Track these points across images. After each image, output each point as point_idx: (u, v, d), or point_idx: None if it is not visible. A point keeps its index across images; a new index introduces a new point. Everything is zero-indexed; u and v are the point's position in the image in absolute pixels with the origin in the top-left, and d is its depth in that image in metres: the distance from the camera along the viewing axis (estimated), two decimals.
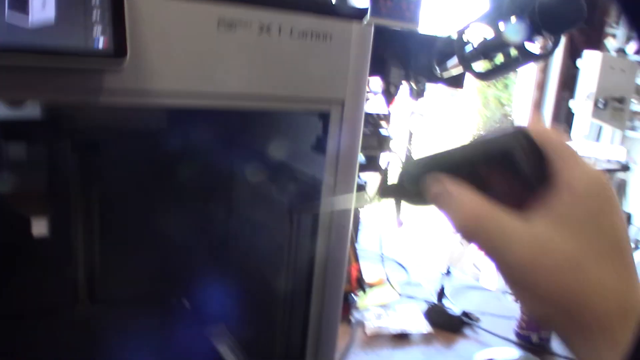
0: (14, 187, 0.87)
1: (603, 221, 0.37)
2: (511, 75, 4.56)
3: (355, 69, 0.66)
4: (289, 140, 0.87)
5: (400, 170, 0.45)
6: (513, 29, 0.92)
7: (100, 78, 0.51)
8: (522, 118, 3.38)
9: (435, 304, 1.36)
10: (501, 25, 0.98)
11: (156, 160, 1.01)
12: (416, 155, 0.47)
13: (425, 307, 1.35)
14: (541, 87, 3.34)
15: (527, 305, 0.39)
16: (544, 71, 3.32)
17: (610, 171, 2.80)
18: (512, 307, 1.44)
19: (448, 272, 1.53)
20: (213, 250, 1.08)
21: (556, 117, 3.31)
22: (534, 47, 0.96)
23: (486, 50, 1.01)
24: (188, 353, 0.98)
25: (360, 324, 1.24)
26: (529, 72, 3.38)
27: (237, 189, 1.01)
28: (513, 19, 0.92)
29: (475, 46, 1.01)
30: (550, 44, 0.95)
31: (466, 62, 1.02)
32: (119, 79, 0.52)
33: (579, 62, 2.94)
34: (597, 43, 3.21)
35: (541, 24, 0.88)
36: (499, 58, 1.02)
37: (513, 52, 0.99)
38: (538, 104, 3.35)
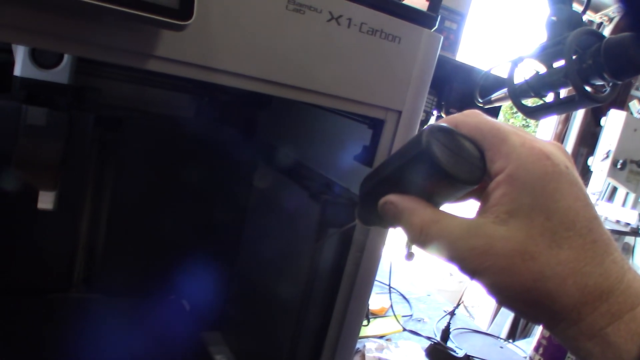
0: (26, 155, 0.82)
1: (552, 203, 0.35)
2: (531, 122, 4.54)
3: (418, 78, 0.61)
4: (328, 146, 0.81)
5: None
6: (572, 69, 0.87)
7: (154, 39, 0.45)
8: None
9: (438, 342, 1.30)
10: (557, 63, 0.94)
11: (178, 149, 0.95)
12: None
13: (427, 344, 1.29)
14: (560, 139, 3.30)
15: (504, 304, 0.37)
16: (565, 123, 3.28)
17: (619, 233, 2.76)
18: (515, 358, 1.38)
19: (453, 312, 1.47)
20: (224, 253, 1.02)
21: None
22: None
23: (537, 86, 0.96)
24: (178, 355, 0.92)
25: (360, 352, 1.18)
26: (549, 122, 3.34)
27: (259, 190, 0.96)
28: (573, 57, 0.87)
29: (527, 80, 0.96)
30: (607, 89, 0.90)
31: (515, 96, 0.98)
32: (176, 43, 0.47)
33: (602, 120, 2.91)
34: (621, 103, 3.19)
35: (606, 66, 0.83)
36: (550, 97, 0.97)
37: (565, 92, 0.95)
38: None
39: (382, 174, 0.43)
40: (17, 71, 0.74)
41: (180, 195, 0.97)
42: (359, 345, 1.20)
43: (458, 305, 1.49)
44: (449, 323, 1.38)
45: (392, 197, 0.40)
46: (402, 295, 1.60)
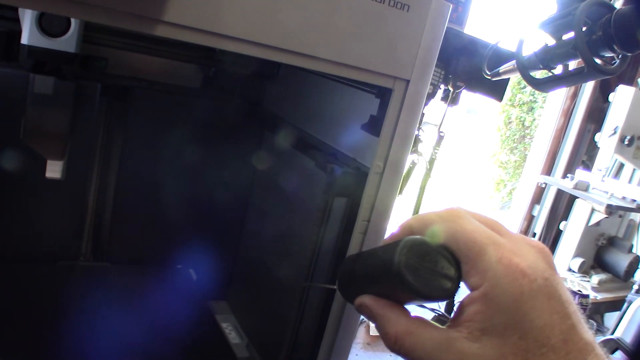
0: (34, 124, 0.82)
1: (526, 323, 0.35)
2: (538, 98, 4.51)
3: (427, 47, 0.60)
4: (335, 117, 0.81)
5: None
6: (582, 41, 0.86)
7: (161, 3, 0.45)
8: (541, 143, 3.32)
9: (442, 313, 1.31)
10: (567, 35, 0.93)
11: (184, 119, 0.95)
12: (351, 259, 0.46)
13: (431, 317, 1.30)
14: (567, 114, 3.28)
15: None
16: (572, 99, 3.26)
17: (625, 210, 2.75)
18: None
19: (458, 284, 1.48)
20: (230, 223, 1.03)
21: (577, 148, 3.25)
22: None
23: (546, 58, 0.95)
24: (187, 323, 0.93)
25: (365, 324, 1.20)
26: (556, 98, 3.32)
27: (266, 161, 0.96)
28: (582, 29, 0.86)
29: (536, 52, 0.95)
30: (617, 61, 0.89)
31: (524, 68, 0.97)
32: (182, 8, 0.46)
33: (611, 96, 2.89)
34: (630, 79, 3.15)
35: (615, 38, 0.82)
36: (558, 69, 0.96)
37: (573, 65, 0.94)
38: (561, 131, 3.28)
39: (360, 272, 0.43)
40: (25, 39, 0.74)
41: (186, 165, 0.97)
42: (363, 318, 1.21)
43: (460, 279, 1.50)
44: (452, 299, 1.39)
45: (367, 300, 0.41)
46: None
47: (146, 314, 0.87)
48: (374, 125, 0.64)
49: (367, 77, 0.59)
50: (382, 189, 0.64)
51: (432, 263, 0.38)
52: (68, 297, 0.90)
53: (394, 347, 0.39)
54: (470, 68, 1.38)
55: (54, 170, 0.86)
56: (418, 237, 0.40)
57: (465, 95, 1.45)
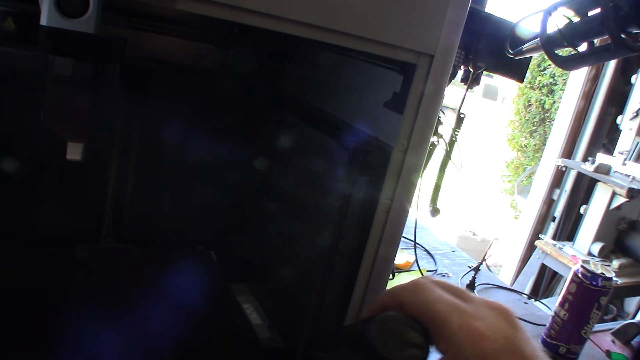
0: (54, 106, 0.82)
1: None
2: (558, 81, 4.45)
3: (452, 20, 0.59)
4: (357, 95, 0.80)
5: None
6: (609, 17, 0.84)
7: None
8: (561, 126, 3.28)
9: None
10: (592, 11, 0.91)
11: (204, 100, 0.95)
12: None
13: None
14: (588, 97, 3.23)
15: None
16: (594, 81, 3.21)
17: None
18: (540, 314, 1.38)
19: (478, 268, 1.47)
20: (252, 204, 1.02)
21: (598, 131, 3.21)
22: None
23: (571, 35, 0.93)
24: (208, 305, 0.93)
25: None
26: (577, 80, 3.27)
27: (288, 140, 0.95)
28: (609, 4, 0.84)
29: (560, 29, 0.93)
30: None
31: (548, 45, 0.95)
32: None
33: (633, 78, 2.84)
34: None
35: None
36: (583, 46, 0.94)
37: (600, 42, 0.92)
38: (582, 114, 3.24)
39: (343, 339, 0.47)
40: (44, 20, 0.74)
41: (206, 146, 0.97)
42: None
43: (483, 260, 1.49)
44: (473, 278, 1.38)
45: None
46: (426, 250, 1.60)
47: (167, 295, 0.87)
48: (398, 103, 0.63)
49: (390, 52, 0.58)
50: (406, 168, 0.63)
51: (403, 335, 0.42)
52: (90, 280, 0.91)
53: None
54: (490, 48, 1.36)
55: (74, 152, 0.86)
56: (389, 313, 0.45)
57: (482, 79, 1.43)
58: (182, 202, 0.99)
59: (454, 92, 1.48)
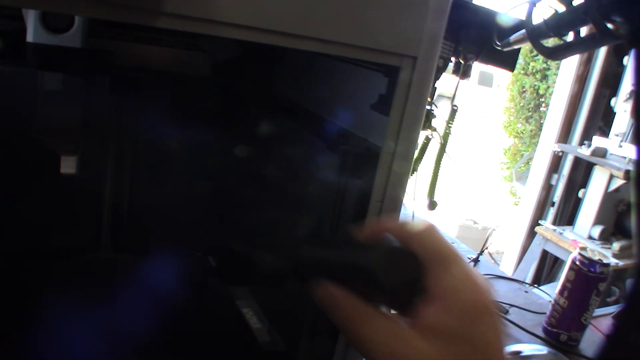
0: (46, 120, 0.82)
1: (473, 334, 0.39)
2: (552, 65, 4.45)
3: (433, 21, 0.59)
4: (344, 97, 0.81)
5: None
6: (593, 6, 0.84)
7: None
8: (556, 111, 3.28)
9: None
10: (576, 0, 0.91)
11: (195, 107, 0.95)
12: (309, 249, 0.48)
13: None
14: (581, 80, 3.23)
15: None
16: (587, 64, 3.21)
17: None
18: (540, 302, 1.39)
19: (478, 259, 1.47)
20: (247, 208, 1.03)
21: (593, 114, 3.21)
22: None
23: (557, 26, 0.93)
24: (208, 312, 0.94)
25: None
26: (570, 64, 3.27)
27: (278, 144, 0.95)
28: None
29: (546, 20, 0.94)
30: (627, 27, 0.87)
31: (534, 37, 0.95)
32: None
33: (625, 60, 2.84)
34: None
35: (627, 1, 0.80)
36: (570, 36, 0.95)
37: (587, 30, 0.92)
38: (576, 98, 3.24)
39: (329, 263, 0.45)
40: (30, 37, 0.75)
41: (199, 153, 0.98)
42: None
43: (482, 251, 1.50)
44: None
45: (331, 289, 0.43)
46: None
47: (167, 302, 0.88)
48: (384, 105, 0.64)
49: (372, 56, 0.58)
50: (395, 169, 0.63)
51: (402, 268, 0.42)
52: (91, 290, 0.91)
53: (349, 336, 0.42)
54: (480, 39, 1.36)
55: (68, 165, 0.86)
56: (396, 246, 0.44)
57: (477, 66, 1.44)
58: (178, 210, 1.00)
59: (449, 81, 1.48)
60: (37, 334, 0.79)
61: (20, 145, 0.84)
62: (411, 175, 0.74)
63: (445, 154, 1.48)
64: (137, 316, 0.86)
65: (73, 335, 0.80)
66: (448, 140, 1.48)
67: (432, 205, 1.35)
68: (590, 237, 2.70)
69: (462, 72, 1.46)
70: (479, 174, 6.95)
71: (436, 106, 1.44)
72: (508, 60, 1.38)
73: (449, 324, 0.38)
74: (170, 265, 1.01)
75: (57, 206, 0.93)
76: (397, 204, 0.64)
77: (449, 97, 1.52)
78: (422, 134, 1.37)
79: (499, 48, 1.12)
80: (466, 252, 1.61)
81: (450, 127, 1.51)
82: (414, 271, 0.41)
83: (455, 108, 1.52)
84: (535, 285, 1.62)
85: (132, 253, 1.01)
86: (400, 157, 0.63)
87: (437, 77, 1.40)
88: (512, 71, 1.44)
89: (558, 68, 3.87)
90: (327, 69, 0.85)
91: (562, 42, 0.95)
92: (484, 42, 1.34)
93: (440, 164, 1.45)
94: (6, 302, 0.82)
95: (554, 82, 4.15)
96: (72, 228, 0.96)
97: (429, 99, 1.41)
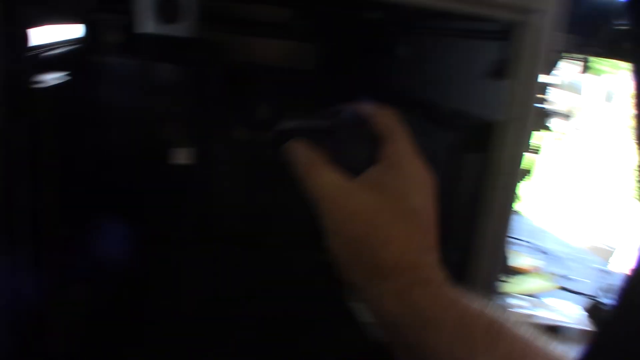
0: (157, 112, 0.84)
1: (408, 196, 0.44)
2: None
3: None
4: (455, 75, 0.76)
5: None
6: None
7: None
8: None
9: (598, 299, 1.19)
10: None
11: (303, 100, 0.94)
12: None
13: (583, 303, 1.19)
14: None
15: (335, 249, 0.44)
16: None
17: None
18: None
19: (610, 271, 1.35)
20: None
21: None
22: None
23: None
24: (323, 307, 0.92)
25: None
26: None
27: None
28: None
29: None
30: None
31: None
32: None
33: None
34: None
35: None
36: None
37: None
38: None
39: (301, 127, 0.51)
40: (142, 28, 0.76)
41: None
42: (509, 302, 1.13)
43: (614, 264, 1.38)
44: (607, 282, 1.27)
45: (297, 144, 0.49)
46: (553, 254, 1.50)
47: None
48: (498, 71, 0.59)
49: (495, 12, 0.54)
50: (513, 138, 0.58)
51: (362, 137, 0.48)
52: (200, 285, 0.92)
53: (304, 180, 0.47)
54: (607, 35, 1.28)
55: (183, 156, 0.88)
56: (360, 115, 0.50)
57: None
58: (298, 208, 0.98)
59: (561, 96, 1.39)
60: None
61: (134, 138, 0.86)
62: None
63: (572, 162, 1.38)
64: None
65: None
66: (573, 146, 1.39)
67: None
68: None
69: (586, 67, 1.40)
70: (607, 191, 6.50)
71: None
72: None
73: (387, 182, 0.44)
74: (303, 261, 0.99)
75: (169, 198, 0.93)
76: (517, 175, 0.59)
77: (564, 113, 1.43)
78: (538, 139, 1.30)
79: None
80: (596, 263, 1.49)
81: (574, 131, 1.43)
82: (370, 142, 0.47)
83: (570, 116, 1.44)
84: None
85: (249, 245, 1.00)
86: (518, 126, 0.58)
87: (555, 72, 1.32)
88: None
89: None
90: (435, 51, 0.81)
91: None
92: (613, 34, 1.27)
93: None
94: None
95: None
96: (183, 220, 0.96)
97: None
